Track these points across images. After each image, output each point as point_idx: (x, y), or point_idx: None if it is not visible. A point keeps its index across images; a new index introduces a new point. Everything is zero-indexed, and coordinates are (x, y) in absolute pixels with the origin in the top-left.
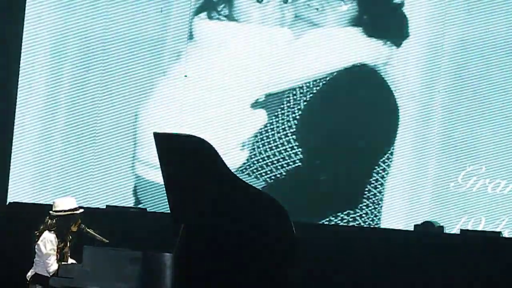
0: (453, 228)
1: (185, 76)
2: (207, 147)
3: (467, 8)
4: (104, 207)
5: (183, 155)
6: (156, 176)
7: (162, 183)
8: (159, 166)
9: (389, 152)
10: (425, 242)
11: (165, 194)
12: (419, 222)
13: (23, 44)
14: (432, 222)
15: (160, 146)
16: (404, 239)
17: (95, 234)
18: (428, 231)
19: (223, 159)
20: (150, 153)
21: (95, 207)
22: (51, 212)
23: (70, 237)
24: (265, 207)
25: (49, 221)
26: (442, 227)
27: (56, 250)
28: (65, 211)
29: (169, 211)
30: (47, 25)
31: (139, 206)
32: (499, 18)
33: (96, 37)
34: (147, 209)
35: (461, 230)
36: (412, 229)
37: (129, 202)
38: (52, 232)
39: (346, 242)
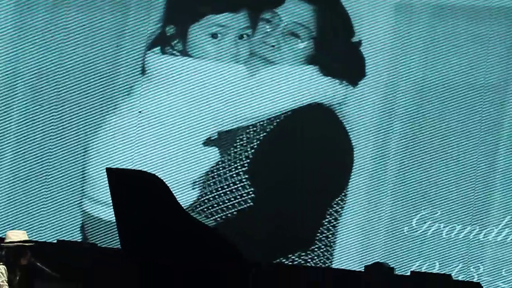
0: (407, 272)
1: (139, 112)
2: (159, 184)
3: (423, 49)
4: (55, 241)
5: (135, 191)
6: (104, 213)
7: (110, 220)
8: (107, 202)
9: (343, 193)
10: (375, 283)
11: (113, 230)
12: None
13: None
14: (383, 263)
15: (113, 182)
16: (355, 280)
17: (45, 268)
18: (378, 273)
19: (175, 196)
20: (98, 190)
21: (46, 241)
22: (1, 244)
23: (20, 270)
24: (217, 244)
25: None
26: (392, 268)
27: (6, 282)
28: (14, 242)
29: (119, 247)
30: None
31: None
32: (455, 59)
33: (48, 70)
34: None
35: (411, 271)
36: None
37: (77, 238)
38: (2, 264)
39: (296, 281)
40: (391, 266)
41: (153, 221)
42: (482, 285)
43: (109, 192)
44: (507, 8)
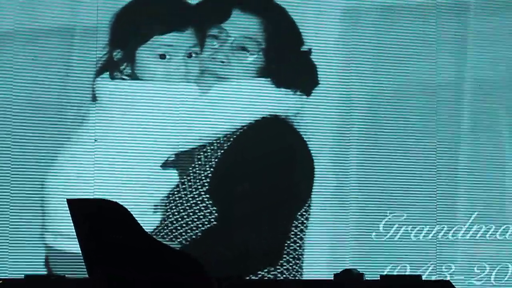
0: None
1: (95, 140)
2: (121, 211)
3: (373, 51)
4: (23, 277)
5: (98, 220)
6: (66, 245)
7: (73, 251)
8: (69, 234)
9: (306, 205)
10: None
11: (78, 262)
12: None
13: None
14: (352, 270)
15: (74, 212)
16: None
17: None
18: (347, 279)
19: (138, 222)
20: (59, 222)
21: (14, 278)
22: None
23: None
24: (185, 266)
25: None
26: (362, 274)
27: None
28: None
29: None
30: None
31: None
32: (406, 60)
33: None
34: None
35: (380, 276)
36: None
37: (42, 272)
38: None
39: None
40: (360, 272)
41: (118, 248)
42: (456, 284)
43: (71, 224)
44: (455, 4)
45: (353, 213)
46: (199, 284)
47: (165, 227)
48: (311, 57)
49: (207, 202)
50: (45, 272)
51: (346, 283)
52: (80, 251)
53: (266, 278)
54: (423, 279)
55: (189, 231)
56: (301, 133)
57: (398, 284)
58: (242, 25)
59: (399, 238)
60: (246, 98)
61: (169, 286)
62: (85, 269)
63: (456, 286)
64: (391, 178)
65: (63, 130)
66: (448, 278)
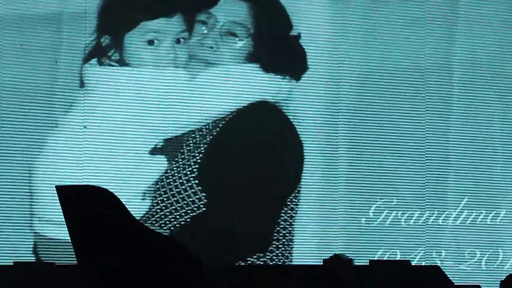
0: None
1: (84, 127)
2: (110, 197)
3: (362, 36)
4: (11, 264)
5: (88, 206)
6: (55, 232)
7: (62, 238)
8: (58, 222)
9: (296, 190)
10: (334, 276)
11: (67, 249)
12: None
13: None
14: (341, 255)
15: (63, 199)
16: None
17: None
18: (337, 264)
19: (127, 208)
20: (48, 209)
21: (2, 265)
22: None
23: None
24: (175, 252)
25: None
26: (351, 259)
27: None
28: None
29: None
30: None
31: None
32: (395, 44)
33: None
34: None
35: (370, 261)
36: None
37: (31, 260)
38: None
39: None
40: (349, 257)
41: (108, 235)
42: (446, 269)
43: (60, 211)
44: None
45: (342, 199)
46: (190, 273)
47: (154, 214)
48: (300, 42)
49: (196, 188)
50: (34, 259)
51: (335, 268)
52: (69, 238)
53: (256, 264)
54: (412, 264)
55: (178, 217)
56: (290, 118)
57: (387, 269)
58: (231, 11)
59: (389, 223)
60: (235, 84)
61: (158, 274)
62: (74, 256)
63: (446, 272)
64: (381, 163)
65: (51, 117)
66: (438, 264)
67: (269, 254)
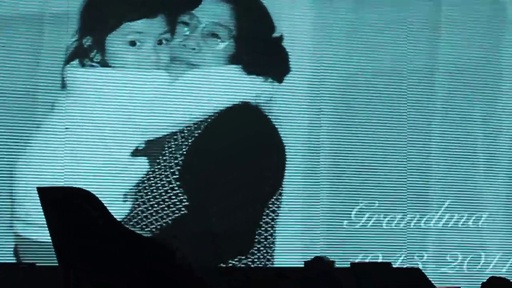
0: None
1: (66, 128)
2: (92, 199)
3: (345, 38)
4: None
5: (69, 208)
6: (36, 234)
7: (43, 240)
8: (39, 223)
9: (278, 192)
10: (315, 278)
11: (48, 251)
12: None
13: None
14: (322, 257)
15: (45, 201)
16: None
17: None
18: (318, 267)
19: (109, 210)
20: (29, 211)
21: None
22: None
23: None
24: (156, 252)
25: None
26: (333, 262)
27: None
28: None
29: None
30: None
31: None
32: (377, 47)
33: None
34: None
35: (351, 263)
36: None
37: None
38: None
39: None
40: (331, 259)
41: (90, 236)
42: (428, 272)
43: (41, 212)
44: None
45: (324, 201)
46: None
47: (135, 216)
48: (283, 44)
49: (177, 190)
50: (15, 261)
51: (316, 271)
52: (50, 240)
53: (239, 266)
54: (393, 266)
55: (159, 219)
56: (272, 120)
57: (368, 271)
58: (213, 12)
59: (371, 226)
60: (217, 85)
61: (154, 275)
62: (55, 258)
63: (428, 275)
64: (363, 166)
65: (33, 118)
66: (420, 266)
67: (250, 256)
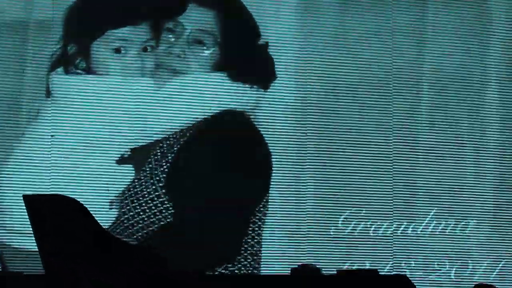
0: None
1: (52, 136)
2: (78, 207)
3: (331, 44)
4: None
5: (55, 216)
6: (21, 242)
7: (29, 248)
8: (24, 232)
9: (264, 200)
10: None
11: (34, 259)
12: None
13: None
14: (309, 265)
15: (31, 208)
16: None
17: None
18: (304, 273)
19: (95, 218)
20: (14, 219)
21: None
22: None
23: None
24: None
25: None
26: (319, 269)
27: None
28: None
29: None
30: None
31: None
32: (362, 52)
33: None
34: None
35: (337, 270)
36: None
37: None
38: None
39: None
40: (317, 267)
41: (76, 244)
42: (416, 280)
43: (27, 220)
44: None
45: (311, 209)
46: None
47: (121, 224)
48: (268, 51)
49: (163, 198)
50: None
51: (302, 278)
52: (36, 248)
53: (225, 274)
54: (380, 274)
55: (145, 227)
56: (258, 127)
57: (355, 279)
58: (198, 19)
59: (358, 234)
60: (202, 93)
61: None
62: (42, 266)
63: (415, 283)
64: (349, 173)
65: (18, 126)
66: (408, 275)
67: (237, 263)
